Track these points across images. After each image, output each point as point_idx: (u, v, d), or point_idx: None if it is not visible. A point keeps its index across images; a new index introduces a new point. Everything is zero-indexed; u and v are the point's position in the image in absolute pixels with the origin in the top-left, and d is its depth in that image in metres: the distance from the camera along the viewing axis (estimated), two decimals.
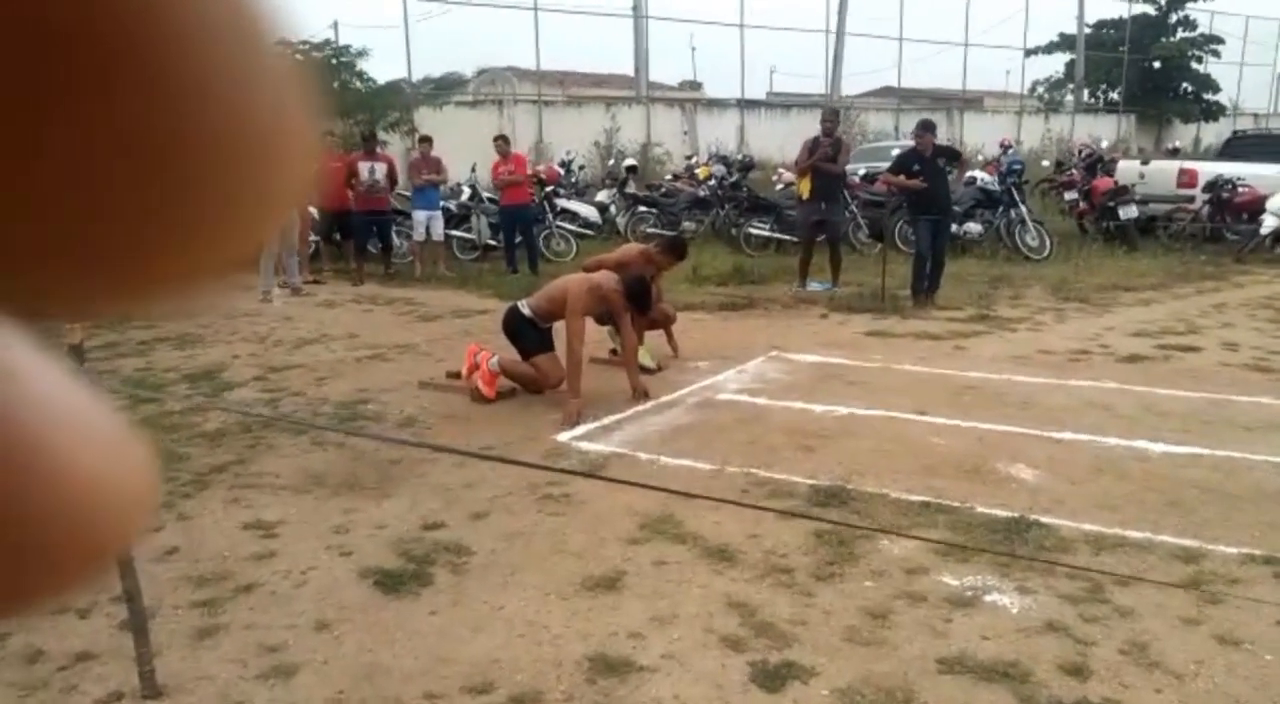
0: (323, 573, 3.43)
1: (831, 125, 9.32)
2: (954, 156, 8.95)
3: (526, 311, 5.58)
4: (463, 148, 13.74)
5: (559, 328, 5.52)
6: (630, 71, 22.18)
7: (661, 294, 6.42)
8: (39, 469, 0.19)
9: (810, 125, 20.81)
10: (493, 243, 11.69)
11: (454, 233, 11.66)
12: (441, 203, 11.09)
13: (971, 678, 2.68)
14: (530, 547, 3.61)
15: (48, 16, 0.16)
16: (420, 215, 10.70)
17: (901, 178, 8.41)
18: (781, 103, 24.41)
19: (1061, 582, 3.21)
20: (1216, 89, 28.82)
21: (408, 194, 11.41)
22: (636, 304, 5.42)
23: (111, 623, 3.05)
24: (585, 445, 4.78)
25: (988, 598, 3.14)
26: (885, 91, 27.26)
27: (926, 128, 8.48)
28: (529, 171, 11.44)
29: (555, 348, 5.58)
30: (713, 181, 12.94)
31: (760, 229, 11.80)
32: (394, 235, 11.17)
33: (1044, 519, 3.70)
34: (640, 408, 5.39)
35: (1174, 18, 28.13)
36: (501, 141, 10.74)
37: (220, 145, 0.17)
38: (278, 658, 2.85)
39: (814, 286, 9.18)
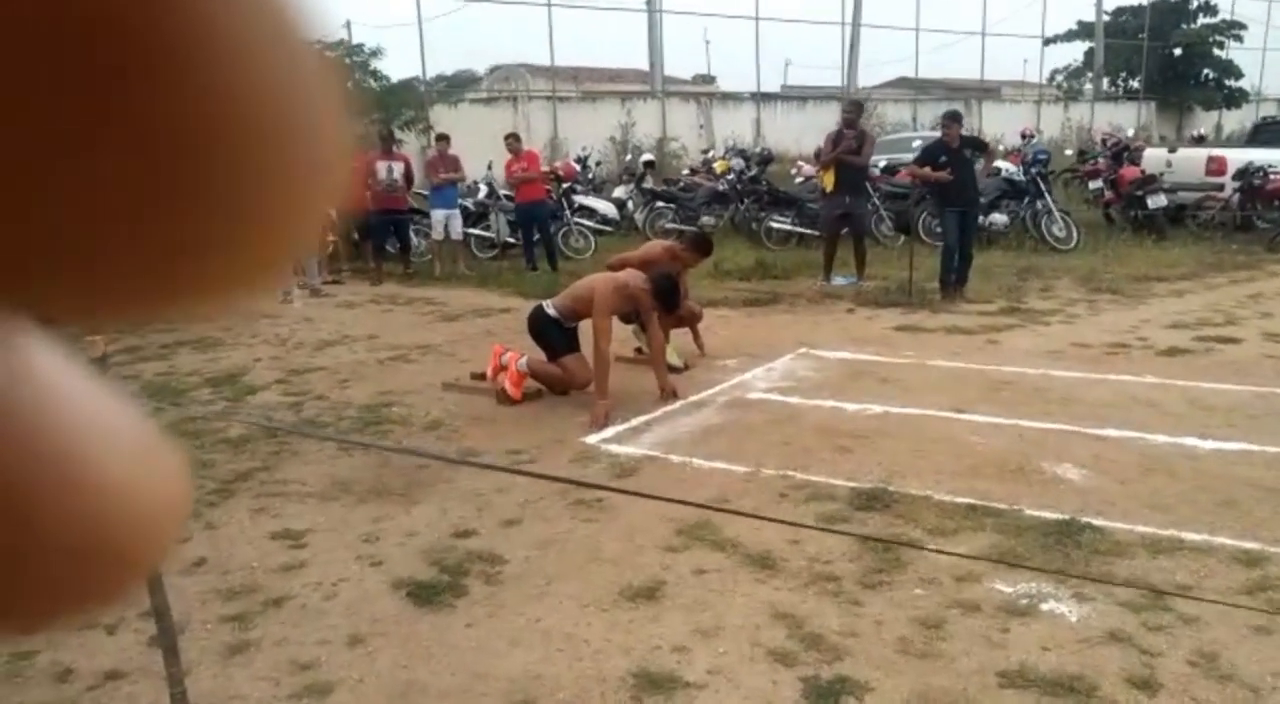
0: (354, 584, 3.34)
1: (854, 117, 9.17)
2: (981, 147, 8.80)
3: (552, 312, 5.48)
4: (478, 145, 13.66)
5: (585, 327, 5.41)
6: (643, 66, 22.05)
7: (688, 291, 6.30)
8: (68, 479, 0.19)
9: (826, 117, 20.70)
10: (511, 240, 11.60)
11: (472, 231, 11.58)
12: (459, 201, 11.01)
13: (1035, 692, 2.56)
14: (565, 555, 3.51)
15: (74, 9, 0.15)
16: (438, 214, 10.62)
17: (928, 170, 8.26)
18: (797, 95, 24.25)
19: (1120, 587, 3.08)
20: (1239, 75, 28.47)
21: (424, 193, 11.33)
22: (665, 302, 5.32)
23: (140, 639, 2.97)
24: (615, 448, 4.67)
25: (1044, 606, 3.01)
26: (901, 82, 27.07)
27: (954, 119, 8.33)
28: (543, 168, 11.35)
29: (581, 348, 5.48)
30: (731, 176, 12.80)
31: (781, 223, 11.65)
32: (412, 234, 11.10)
33: (1096, 522, 3.57)
34: (669, 408, 5.28)
35: (1195, 3, 27.77)
36: (513, 140, 10.67)
37: (256, 142, 0.17)
38: (311, 676, 2.76)
39: (839, 281, 9.05)
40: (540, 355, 5.55)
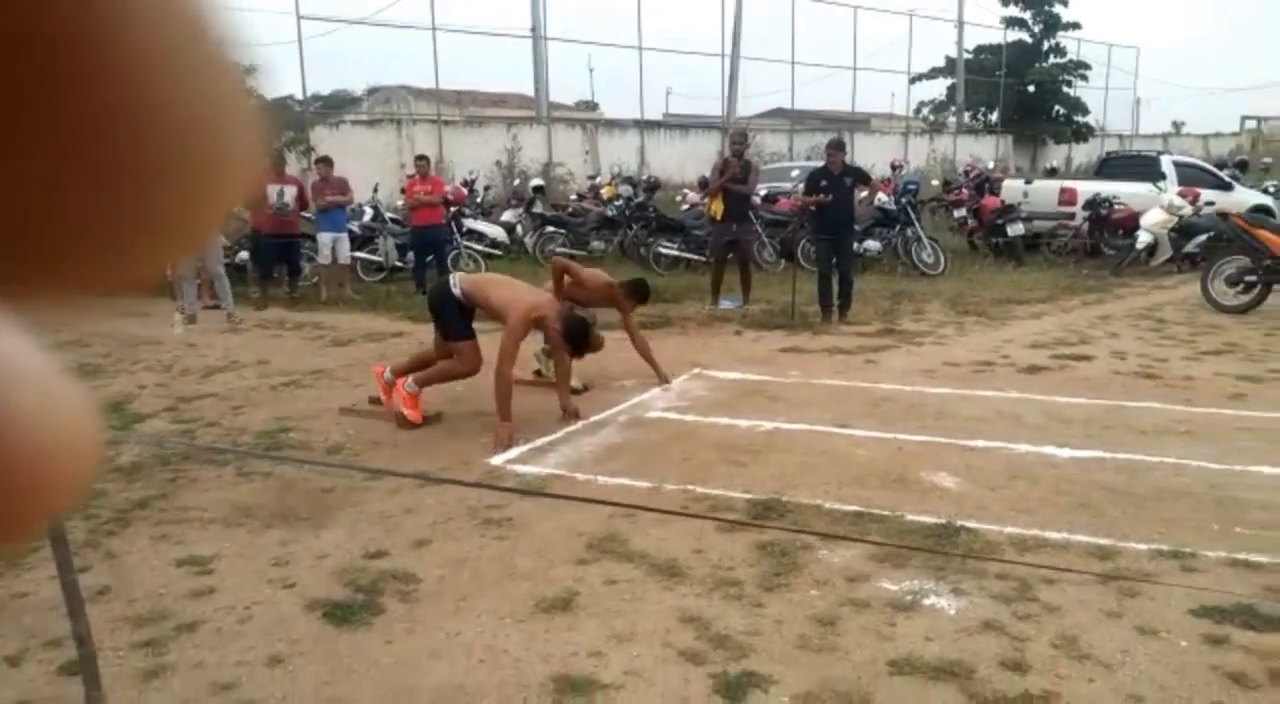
0: (268, 607, 3.36)
1: (740, 147, 9.56)
2: (865, 179, 9.26)
3: (456, 291, 5.45)
4: (361, 167, 13.55)
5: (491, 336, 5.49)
6: (527, 91, 22.18)
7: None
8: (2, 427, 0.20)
9: (708, 146, 21.26)
10: (399, 264, 11.56)
11: (359, 254, 11.49)
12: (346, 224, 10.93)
13: (921, 678, 2.81)
14: (478, 572, 3.61)
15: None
16: (325, 237, 10.52)
17: (815, 196, 8.64)
18: (680, 123, 24.79)
19: (992, 582, 3.39)
20: (1085, 112, 30.58)
21: (310, 216, 11.19)
22: (572, 347, 5.33)
23: (47, 669, 2.94)
24: (521, 468, 4.79)
25: (926, 601, 3.29)
26: (777, 113, 27.95)
27: (837, 147, 8.79)
28: (446, 192, 11.42)
29: (476, 336, 5.53)
30: (619, 202, 13.08)
31: (669, 249, 11.98)
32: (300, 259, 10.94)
33: (969, 524, 3.90)
34: (571, 428, 5.43)
35: (1046, 45, 29.75)
36: (423, 161, 10.82)
37: (163, 142, 0.19)
38: (233, 696, 2.79)
39: (726, 304, 9.38)
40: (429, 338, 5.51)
